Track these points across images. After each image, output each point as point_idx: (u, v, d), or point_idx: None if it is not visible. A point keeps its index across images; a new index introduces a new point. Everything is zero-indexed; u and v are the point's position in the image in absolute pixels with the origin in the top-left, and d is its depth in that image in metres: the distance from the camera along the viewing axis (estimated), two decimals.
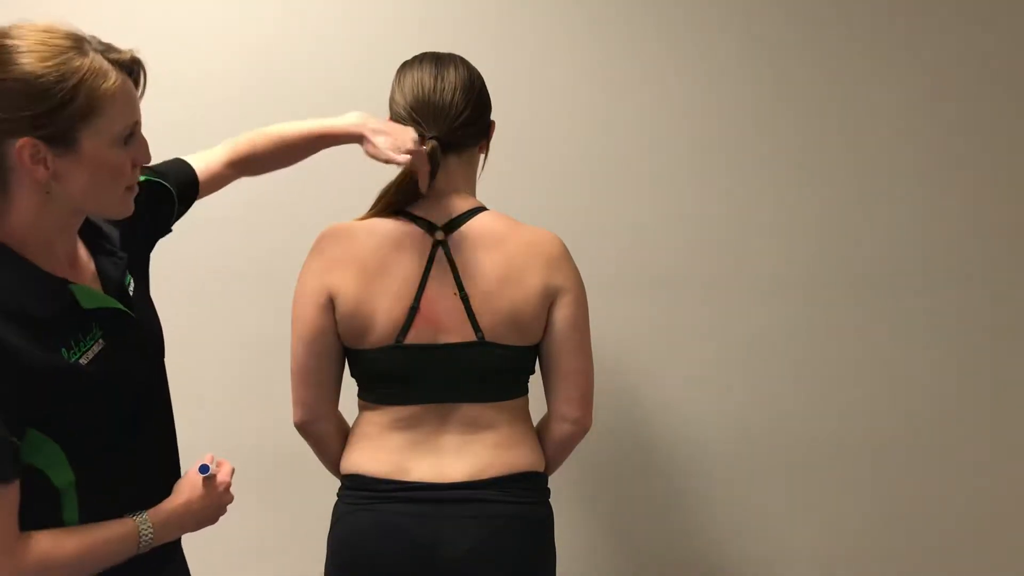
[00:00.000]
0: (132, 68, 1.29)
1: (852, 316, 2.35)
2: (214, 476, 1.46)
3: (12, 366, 1.21)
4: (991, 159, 2.35)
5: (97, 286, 1.37)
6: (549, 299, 1.65)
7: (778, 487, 2.37)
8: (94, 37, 1.27)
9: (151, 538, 1.37)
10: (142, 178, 1.44)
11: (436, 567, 1.59)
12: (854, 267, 2.35)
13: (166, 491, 1.44)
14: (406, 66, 1.70)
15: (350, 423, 1.75)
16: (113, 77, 1.24)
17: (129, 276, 1.44)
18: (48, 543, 1.28)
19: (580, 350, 1.68)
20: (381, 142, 1.61)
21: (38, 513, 1.29)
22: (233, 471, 1.51)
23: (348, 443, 1.71)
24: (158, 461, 1.47)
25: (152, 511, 1.39)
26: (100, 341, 1.32)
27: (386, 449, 1.65)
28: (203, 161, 1.67)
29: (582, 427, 1.72)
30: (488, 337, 1.62)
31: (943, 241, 2.35)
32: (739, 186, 2.33)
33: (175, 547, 1.52)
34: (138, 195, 1.39)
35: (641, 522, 2.37)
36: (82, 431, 1.31)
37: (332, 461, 1.74)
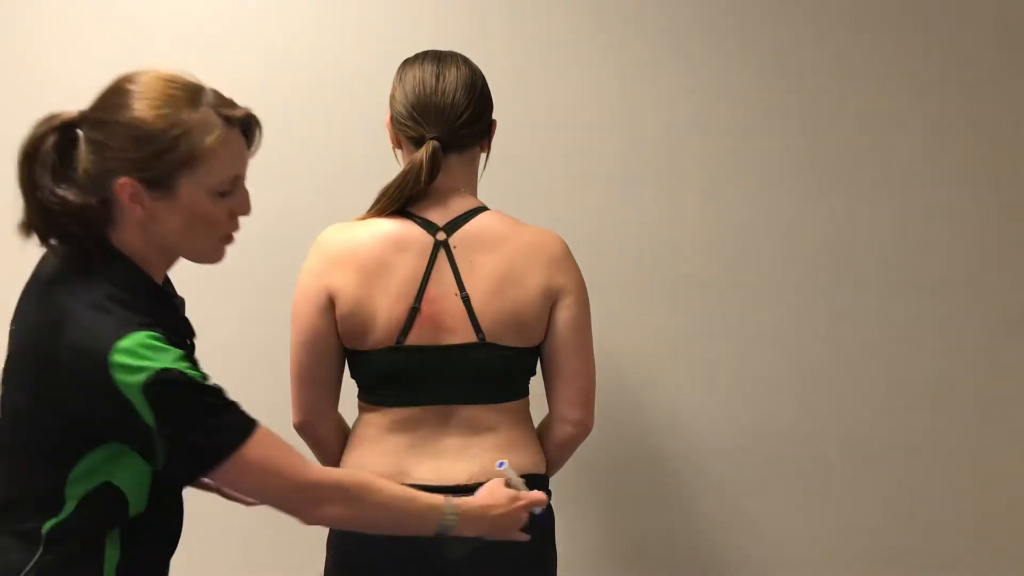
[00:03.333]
0: (246, 124, 1.34)
1: (857, 317, 2.34)
2: (514, 485, 1.52)
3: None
4: (998, 160, 2.34)
5: None
6: (551, 300, 1.64)
7: (780, 488, 2.36)
8: (214, 91, 1.33)
9: (454, 522, 1.42)
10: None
11: (437, 569, 1.59)
12: (859, 268, 2.34)
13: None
14: (407, 64, 1.69)
15: (350, 424, 1.74)
16: (218, 132, 1.29)
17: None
18: (368, 476, 1.42)
19: (582, 351, 1.67)
20: None
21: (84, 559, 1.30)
22: (539, 503, 1.52)
23: (348, 445, 1.70)
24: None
25: (459, 499, 1.45)
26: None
27: (386, 451, 1.64)
28: None
29: (584, 428, 1.72)
30: (489, 338, 1.61)
31: (948, 242, 2.34)
32: (743, 188, 2.32)
33: None
34: None
35: (642, 523, 2.37)
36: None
37: (332, 463, 1.73)
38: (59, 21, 2.25)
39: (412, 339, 1.61)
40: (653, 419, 2.35)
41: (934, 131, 2.33)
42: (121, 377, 1.21)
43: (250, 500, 1.53)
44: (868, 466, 2.37)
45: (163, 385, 1.22)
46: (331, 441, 1.72)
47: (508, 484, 1.53)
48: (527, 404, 1.72)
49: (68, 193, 1.28)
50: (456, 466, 1.62)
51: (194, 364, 1.29)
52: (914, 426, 2.37)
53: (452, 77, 1.64)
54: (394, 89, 1.68)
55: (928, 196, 2.34)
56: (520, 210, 1.74)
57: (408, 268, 1.62)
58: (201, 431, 1.26)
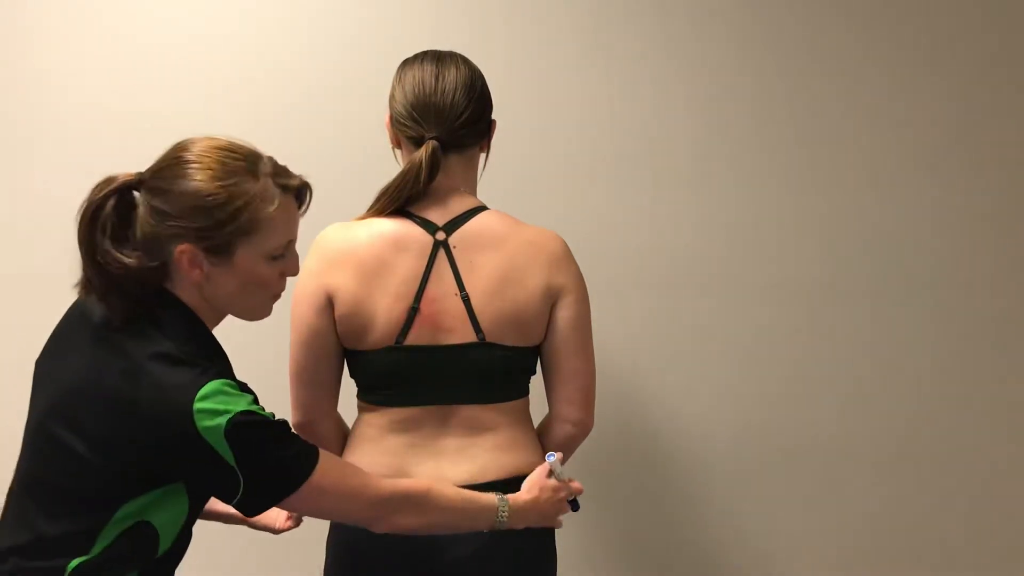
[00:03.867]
0: (300, 192, 1.42)
1: (853, 316, 2.35)
2: (557, 476, 1.60)
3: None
4: (997, 161, 2.34)
5: None
6: (551, 299, 1.64)
7: (779, 487, 2.37)
8: (271, 159, 1.39)
9: (506, 519, 1.52)
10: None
11: (437, 570, 1.59)
12: (856, 267, 2.34)
13: None
14: (407, 64, 1.69)
15: (350, 424, 1.74)
16: (277, 202, 1.36)
17: None
18: (426, 482, 1.52)
19: (582, 351, 1.67)
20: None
21: None
22: (578, 492, 1.64)
23: (347, 445, 1.70)
24: None
25: (512, 496, 1.54)
26: None
27: (386, 451, 1.64)
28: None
29: (584, 428, 1.71)
30: (489, 338, 1.61)
31: (945, 242, 2.34)
32: (742, 187, 2.32)
33: None
34: None
35: (642, 523, 2.36)
36: (204, 500, 1.42)
37: None
38: (60, 22, 2.25)
39: (412, 339, 1.61)
40: (653, 419, 2.35)
41: (933, 129, 2.33)
42: (204, 423, 1.28)
43: (278, 528, 1.68)
44: (867, 466, 2.37)
45: (242, 427, 1.30)
46: (331, 441, 1.71)
47: (551, 475, 1.60)
48: (527, 404, 1.72)
49: (129, 258, 1.33)
50: (456, 466, 1.62)
51: (261, 406, 1.36)
52: (913, 426, 2.37)
53: (452, 77, 1.64)
54: (393, 89, 1.68)
55: (928, 197, 2.34)
56: (519, 210, 1.74)
57: (408, 268, 1.61)
58: (277, 465, 1.35)
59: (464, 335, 1.61)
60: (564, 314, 1.65)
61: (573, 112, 2.29)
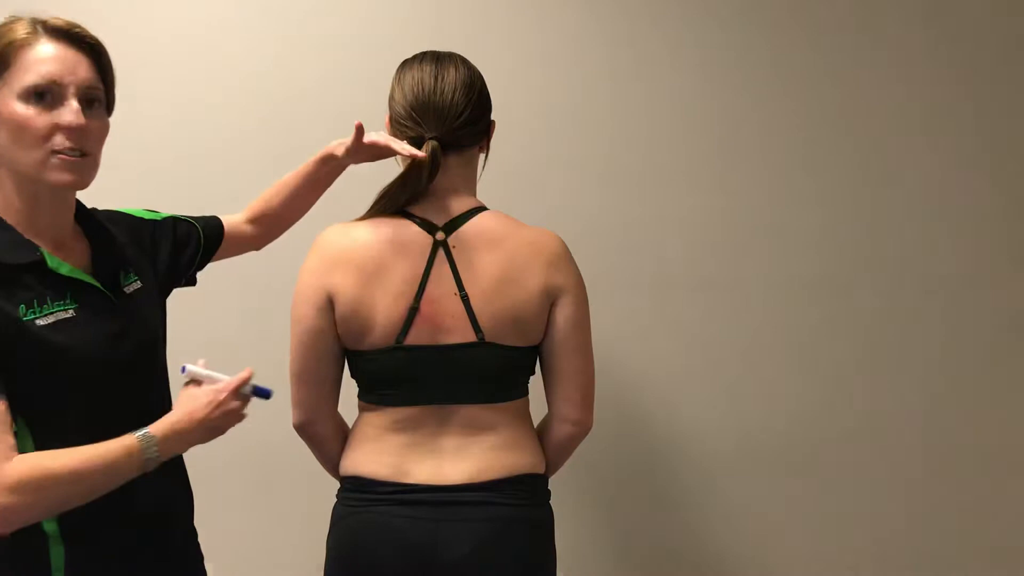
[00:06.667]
0: (68, 34, 1.37)
1: (853, 315, 2.35)
2: (199, 381, 1.45)
3: None
4: (995, 158, 2.34)
5: (86, 269, 1.43)
6: (550, 299, 1.64)
7: (778, 487, 2.37)
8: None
9: (156, 451, 1.35)
10: (166, 215, 1.66)
11: (436, 570, 1.59)
12: (855, 266, 2.34)
13: (143, 480, 1.39)
14: (406, 65, 1.69)
15: (350, 424, 1.74)
16: (25, 35, 1.34)
17: (133, 276, 1.49)
18: (41, 457, 1.30)
19: (581, 350, 1.67)
20: (380, 133, 1.67)
21: None
22: (243, 381, 1.46)
23: (347, 444, 1.70)
24: None
25: (155, 424, 1.37)
26: (70, 311, 1.36)
27: (386, 451, 1.64)
28: (228, 219, 1.79)
29: (583, 428, 1.71)
30: (488, 338, 1.61)
31: (945, 240, 2.34)
32: (741, 186, 2.32)
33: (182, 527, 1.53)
34: (165, 225, 1.62)
35: (641, 523, 2.37)
36: (45, 404, 1.33)
37: (331, 463, 1.73)
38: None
39: (411, 339, 1.61)
40: (653, 418, 2.35)
41: (935, 128, 2.33)
42: None
43: None
44: (868, 466, 2.37)
45: None
46: (331, 441, 1.72)
47: (200, 384, 1.46)
48: (527, 404, 1.72)
49: None
50: (456, 466, 1.62)
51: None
52: (915, 426, 2.37)
53: (451, 78, 1.64)
54: (393, 90, 1.68)
55: (928, 195, 2.34)
56: (518, 210, 1.74)
57: (407, 268, 1.61)
58: None
59: (464, 335, 1.61)
60: (563, 314, 1.65)
61: (573, 113, 2.29)
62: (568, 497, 2.20)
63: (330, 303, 1.62)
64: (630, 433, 2.35)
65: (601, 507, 2.35)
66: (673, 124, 2.31)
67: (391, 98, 1.68)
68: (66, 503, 1.32)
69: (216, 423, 1.43)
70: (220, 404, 1.43)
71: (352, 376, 1.70)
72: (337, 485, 1.71)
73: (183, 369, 1.45)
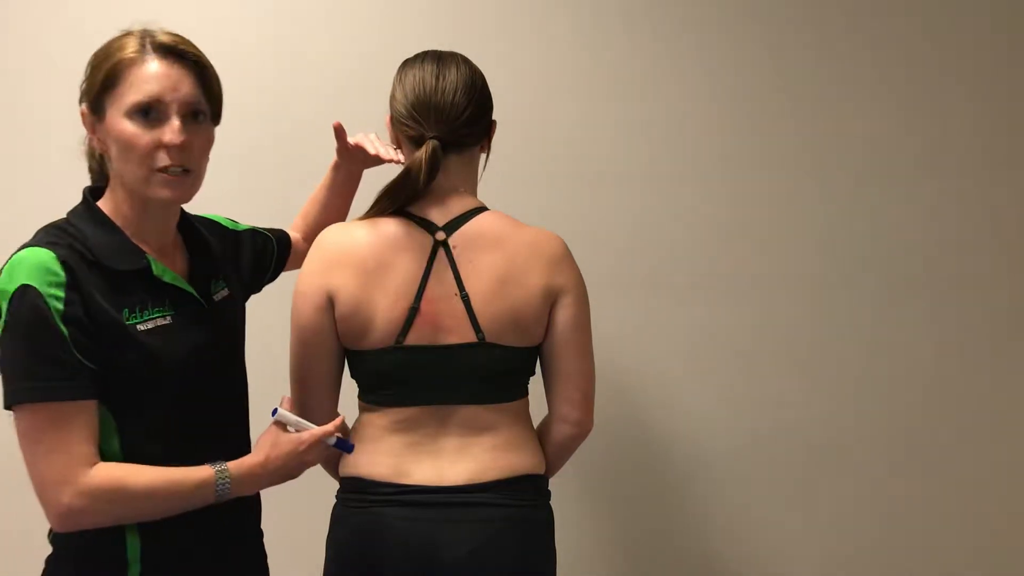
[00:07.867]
0: (174, 51, 1.43)
1: (854, 316, 2.35)
2: (283, 424, 1.50)
3: (80, 308, 1.32)
4: (996, 158, 2.34)
5: (184, 276, 1.50)
6: (550, 300, 1.64)
7: (778, 487, 2.37)
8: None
9: (228, 487, 1.42)
10: (246, 226, 1.76)
11: (435, 570, 1.58)
12: (856, 267, 2.34)
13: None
14: (407, 64, 1.69)
15: (350, 425, 1.74)
16: (134, 53, 1.39)
17: (223, 284, 1.56)
18: (121, 470, 1.35)
19: (581, 351, 1.67)
20: (365, 136, 1.75)
21: None
22: (329, 434, 1.52)
23: None
24: (218, 451, 1.47)
25: (234, 463, 1.44)
26: (168, 318, 1.42)
27: (385, 452, 1.63)
28: (291, 234, 1.89)
29: (583, 429, 1.71)
30: (489, 338, 1.61)
31: (945, 241, 2.34)
32: (741, 186, 2.32)
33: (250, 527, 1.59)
34: (246, 235, 1.72)
35: (641, 523, 2.37)
36: (133, 404, 1.38)
37: (331, 463, 1.73)
38: (62, 17, 2.25)
39: (411, 339, 1.61)
40: (653, 419, 2.35)
41: (935, 128, 2.33)
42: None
43: None
44: (869, 467, 2.37)
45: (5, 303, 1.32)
46: None
47: (286, 428, 1.51)
48: (527, 404, 1.72)
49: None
50: (456, 466, 1.62)
51: (66, 325, 1.31)
52: (915, 427, 2.37)
53: (452, 77, 1.64)
54: (394, 89, 1.68)
55: (928, 196, 2.34)
56: (518, 210, 1.74)
57: (407, 268, 1.61)
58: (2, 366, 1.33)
59: (464, 335, 1.61)
60: (564, 315, 1.65)
61: (573, 113, 2.29)
62: (568, 497, 2.20)
63: (330, 303, 1.62)
64: (630, 433, 2.35)
65: (601, 507, 2.35)
66: (673, 124, 2.31)
67: (392, 97, 1.68)
68: (133, 518, 1.39)
69: (291, 472, 1.50)
70: (300, 455, 1.49)
71: (352, 376, 1.70)
72: (337, 485, 1.71)
73: (274, 412, 1.50)
